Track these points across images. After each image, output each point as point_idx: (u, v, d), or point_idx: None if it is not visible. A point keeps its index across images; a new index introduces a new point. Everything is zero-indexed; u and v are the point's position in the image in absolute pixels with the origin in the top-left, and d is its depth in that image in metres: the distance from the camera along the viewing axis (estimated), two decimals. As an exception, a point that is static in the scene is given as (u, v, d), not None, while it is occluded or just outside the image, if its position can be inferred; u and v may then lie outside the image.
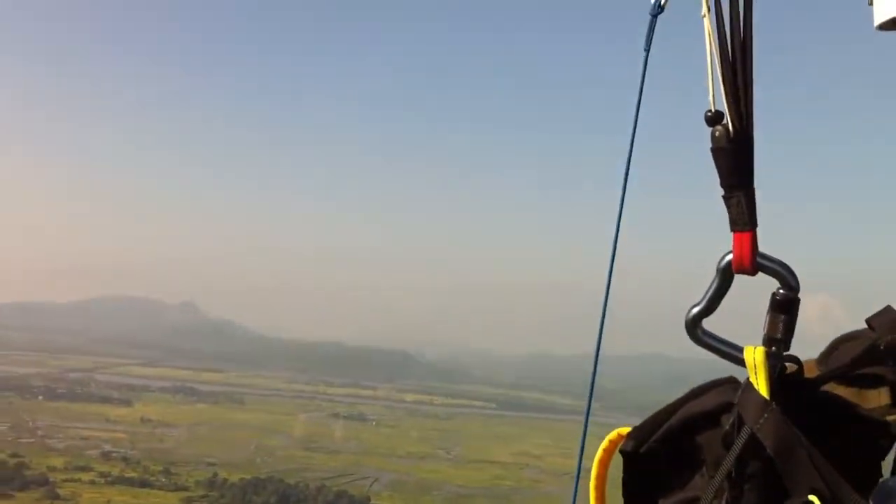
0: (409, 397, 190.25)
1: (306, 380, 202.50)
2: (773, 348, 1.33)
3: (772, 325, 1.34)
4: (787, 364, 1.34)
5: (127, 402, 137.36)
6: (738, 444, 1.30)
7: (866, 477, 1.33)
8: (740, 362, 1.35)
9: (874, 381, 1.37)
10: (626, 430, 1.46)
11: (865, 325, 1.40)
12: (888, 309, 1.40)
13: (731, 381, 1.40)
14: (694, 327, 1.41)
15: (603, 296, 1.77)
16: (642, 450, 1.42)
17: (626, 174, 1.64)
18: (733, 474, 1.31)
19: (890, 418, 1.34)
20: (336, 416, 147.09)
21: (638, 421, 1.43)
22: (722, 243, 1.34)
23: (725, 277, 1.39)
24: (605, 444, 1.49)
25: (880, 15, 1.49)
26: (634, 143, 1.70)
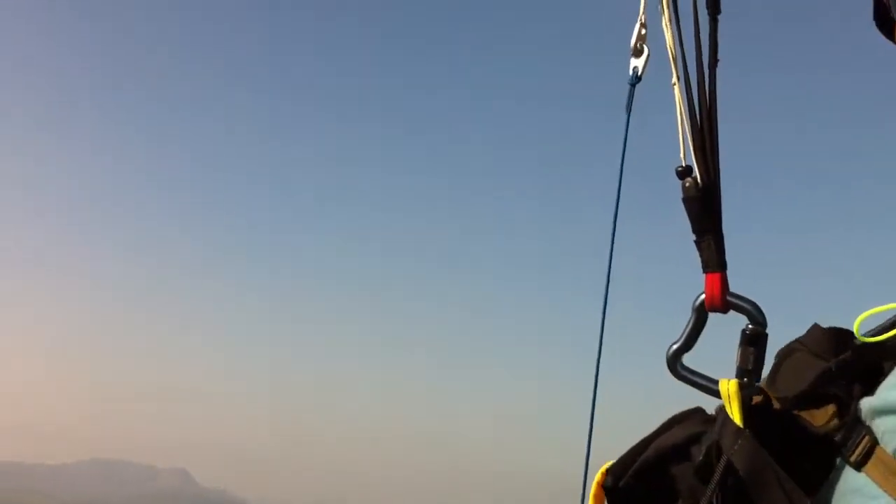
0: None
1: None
2: (745, 379, 1.43)
3: (743, 357, 1.45)
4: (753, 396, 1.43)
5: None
6: (718, 471, 1.37)
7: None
8: (716, 394, 1.44)
9: (821, 400, 1.46)
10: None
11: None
12: (815, 327, 1.52)
13: (698, 412, 1.49)
14: (674, 363, 1.52)
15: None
16: (620, 484, 1.48)
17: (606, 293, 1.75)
18: (716, 501, 1.38)
19: (838, 436, 1.41)
20: None
21: None
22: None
23: (700, 315, 1.52)
24: (598, 477, 1.54)
25: None
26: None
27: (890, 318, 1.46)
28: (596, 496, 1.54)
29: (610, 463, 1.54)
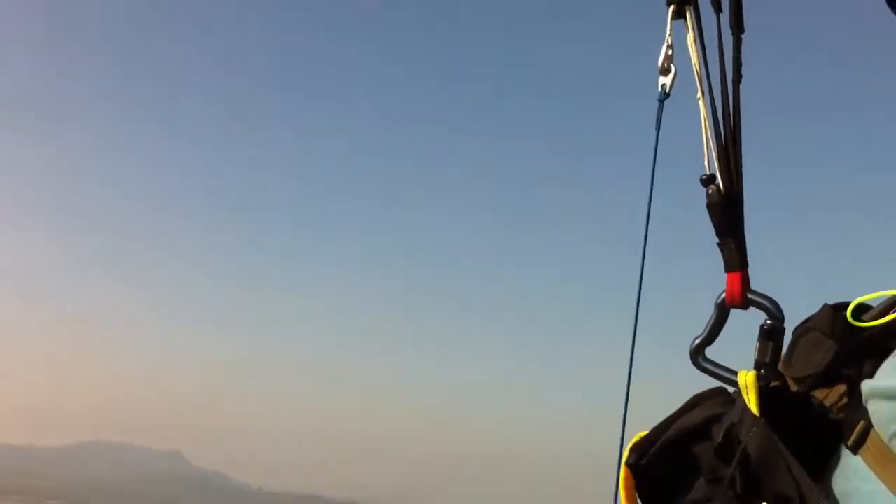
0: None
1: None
2: (762, 371, 1.55)
3: (761, 351, 1.56)
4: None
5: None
6: (737, 456, 1.47)
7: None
8: (735, 384, 1.55)
9: (833, 379, 1.55)
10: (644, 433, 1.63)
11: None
12: (825, 307, 1.61)
13: (719, 393, 1.60)
14: (696, 355, 1.65)
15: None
16: (643, 462, 1.59)
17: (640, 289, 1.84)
18: (737, 482, 1.48)
19: (842, 416, 1.50)
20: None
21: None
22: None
23: (721, 311, 1.65)
24: (626, 456, 1.63)
25: None
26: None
27: (882, 304, 1.55)
28: (625, 475, 1.63)
29: (637, 438, 1.63)
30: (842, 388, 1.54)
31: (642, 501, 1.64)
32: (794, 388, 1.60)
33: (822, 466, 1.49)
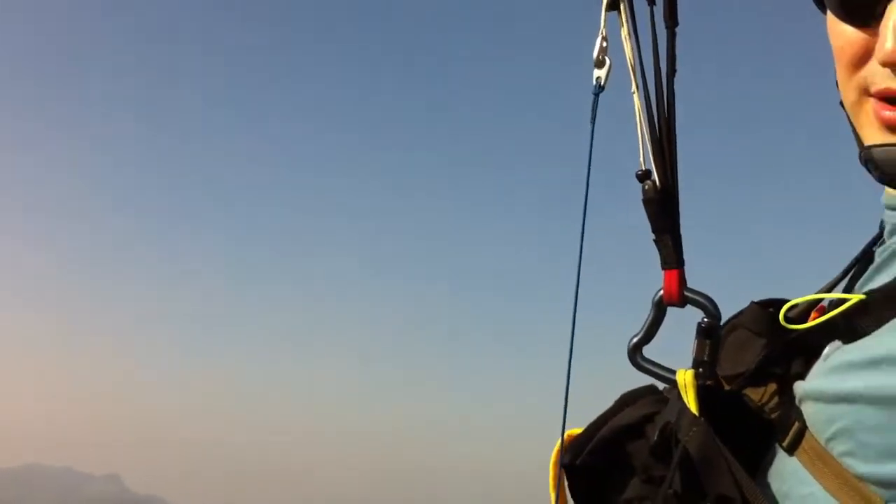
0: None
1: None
2: (701, 370, 1.51)
3: (699, 349, 1.53)
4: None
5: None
6: (677, 455, 1.44)
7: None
8: (674, 383, 1.51)
9: (762, 377, 1.54)
10: (577, 430, 1.60)
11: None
12: (752, 304, 1.60)
13: (652, 392, 1.58)
14: (634, 354, 1.61)
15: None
16: (578, 461, 1.57)
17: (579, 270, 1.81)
18: (674, 483, 1.45)
19: (775, 416, 1.49)
20: None
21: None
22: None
23: (659, 309, 1.61)
24: (553, 456, 1.61)
25: None
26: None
27: (805, 303, 1.52)
28: (554, 474, 1.61)
29: (567, 435, 1.60)
30: (773, 387, 1.52)
31: (575, 501, 1.62)
32: (726, 386, 1.57)
33: (757, 466, 1.47)
